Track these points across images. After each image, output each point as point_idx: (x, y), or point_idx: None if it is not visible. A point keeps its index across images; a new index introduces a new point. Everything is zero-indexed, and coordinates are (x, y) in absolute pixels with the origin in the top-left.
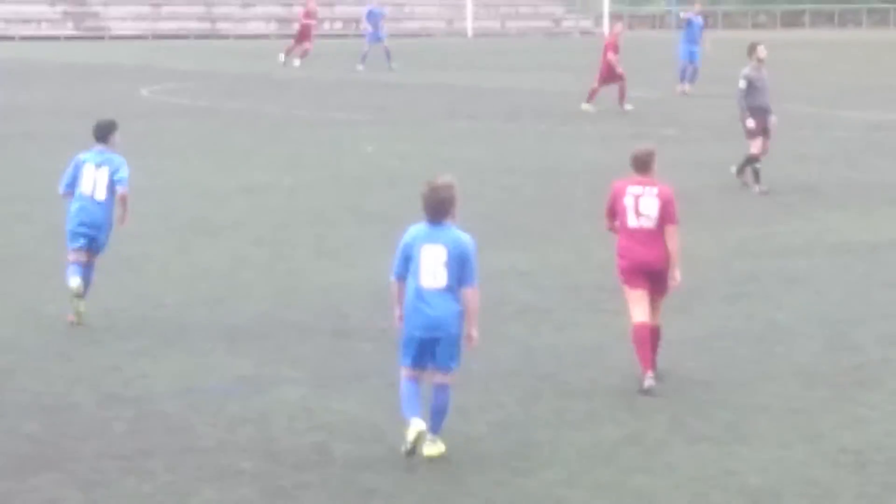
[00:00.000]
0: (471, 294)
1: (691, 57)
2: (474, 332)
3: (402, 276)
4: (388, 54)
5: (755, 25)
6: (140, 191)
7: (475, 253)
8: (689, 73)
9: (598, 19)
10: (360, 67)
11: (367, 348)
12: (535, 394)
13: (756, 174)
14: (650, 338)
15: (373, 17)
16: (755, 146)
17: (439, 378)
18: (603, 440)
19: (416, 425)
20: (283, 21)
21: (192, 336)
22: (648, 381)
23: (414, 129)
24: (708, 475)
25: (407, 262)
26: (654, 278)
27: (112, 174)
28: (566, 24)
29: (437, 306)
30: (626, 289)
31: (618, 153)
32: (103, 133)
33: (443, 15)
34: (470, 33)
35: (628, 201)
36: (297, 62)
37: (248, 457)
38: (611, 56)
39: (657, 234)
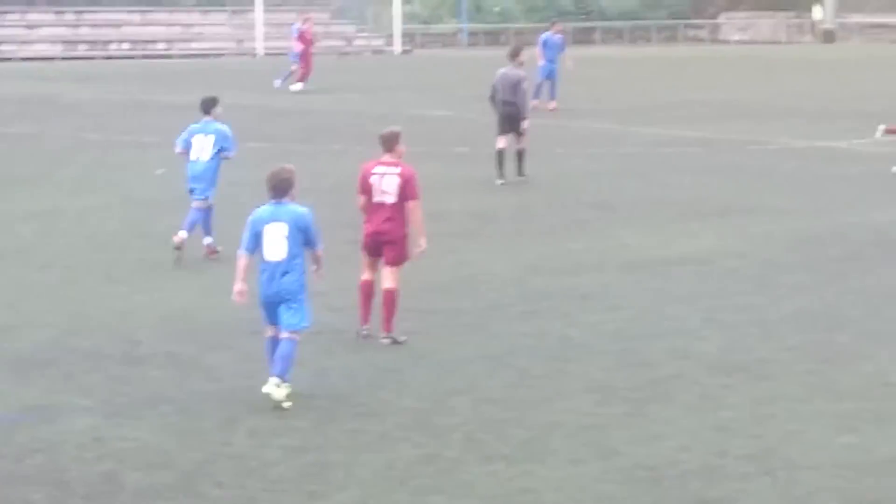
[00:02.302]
0: (318, 254)
1: (550, 74)
2: (321, 271)
3: (250, 250)
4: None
5: None
6: None
7: (313, 221)
8: (546, 89)
9: (389, 39)
10: (296, 87)
11: (157, 374)
12: (330, 415)
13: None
14: (384, 299)
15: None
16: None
17: (286, 334)
18: (398, 461)
19: (268, 388)
20: (68, 42)
21: None
22: (364, 332)
23: None
24: (504, 493)
25: (254, 238)
26: (388, 247)
27: (217, 143)
28: (358, 42)
29: (278, 277)
30: (363, 254)
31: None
32: (207, 107)
33: (232, 35)
34: (261, 52)
35: (374, 180)
36: (296, 87)
37: (38, 488)
38: None
39: (396, 209)
